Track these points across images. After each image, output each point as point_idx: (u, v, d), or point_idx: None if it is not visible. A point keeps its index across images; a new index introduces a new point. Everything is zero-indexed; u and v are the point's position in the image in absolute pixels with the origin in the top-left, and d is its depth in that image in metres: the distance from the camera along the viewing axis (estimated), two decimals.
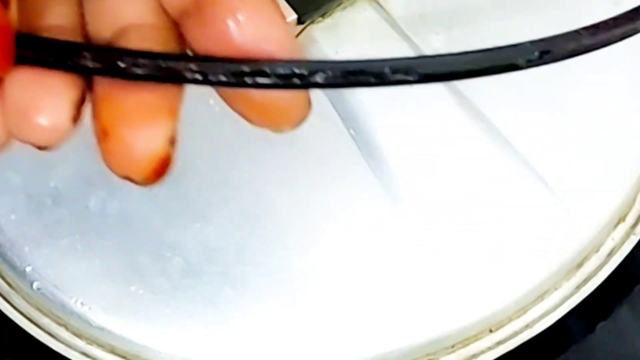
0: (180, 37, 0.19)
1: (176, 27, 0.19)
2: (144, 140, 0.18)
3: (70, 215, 0.33)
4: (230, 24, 0.18)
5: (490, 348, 0.33)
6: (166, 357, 0.32)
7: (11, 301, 0.33)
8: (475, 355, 0.33)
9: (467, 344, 0.33)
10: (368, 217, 0.33)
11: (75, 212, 0.33)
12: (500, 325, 0.33)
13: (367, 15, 0.36)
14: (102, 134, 0.18)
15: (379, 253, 0.33)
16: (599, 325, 0.35)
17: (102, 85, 0.18)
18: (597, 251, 0.34)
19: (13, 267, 0.33)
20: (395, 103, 0.34)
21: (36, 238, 0.33)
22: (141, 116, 0.18)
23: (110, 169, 0.18)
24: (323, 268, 0.33)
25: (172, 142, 0.18)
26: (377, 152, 0.34)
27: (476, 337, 0.33)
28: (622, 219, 0.34)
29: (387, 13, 0.36)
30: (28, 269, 0.33)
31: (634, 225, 0.35)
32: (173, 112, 0.18)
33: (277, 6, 0.18)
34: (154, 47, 0.18)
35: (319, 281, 0.33)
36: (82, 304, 0.32)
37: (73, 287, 0.33)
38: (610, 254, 0.34)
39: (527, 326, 0.33)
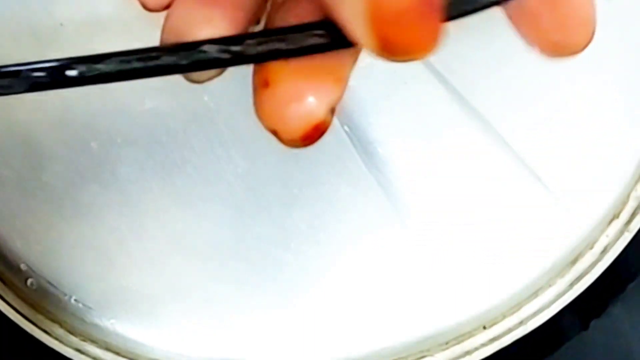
0: None
1: None
2: (304, 100, 0.17)
3: (64, 211, 0.33)
4: None
5: (484, 345, 0.33)
6: (160, 353, 0.32)
7: (5, 298, 0.33)
8: (469, 352, 0.33)
9: (461, 341, 0.33)
10: (362, 214, 0.33)
11: (69, 209, 0.33)
12: (494, 322, 0.33)
13: None
14: (262, 83, 0.18)
15: (373, 250, 0.33)
16: (592, 322, 0.35)
17: None
18: (591, 248, 0.34)
19: (7, 264, 0.33)
20: (390, 100, 0.34)
21: (30, 235, 0.33)
22: (308, 76, 0.18)
23: (260, 118, 0.18)
24: (317, 265, 0.33)
25: (332, 111, 0.18)
26: (372, 148, 0.34)
27: (470, 334, 0.33)
28: (615, 216, 0.35)
29: None
30: (22, 265, 0.33)
31: (627, 222, 0.35)
32: (340, 82, 0.18)
33: None
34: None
35: (312, 278, 0.33)
36: (76, 300, 0.32)
37: (67, 283, 0.33)
38: (604, 251, 0.34)
39: (521, 323, 0.33)
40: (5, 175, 0.33)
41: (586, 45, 0.19)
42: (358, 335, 0.32)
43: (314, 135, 0.18)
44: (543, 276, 0.33)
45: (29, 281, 0.33)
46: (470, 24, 0.35)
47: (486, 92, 0.34)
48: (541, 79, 0.34)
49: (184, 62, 0.18)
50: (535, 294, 0.34)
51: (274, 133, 0.18)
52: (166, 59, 0.18)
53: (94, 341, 0.33)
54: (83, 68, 0.18)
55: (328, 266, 0.33)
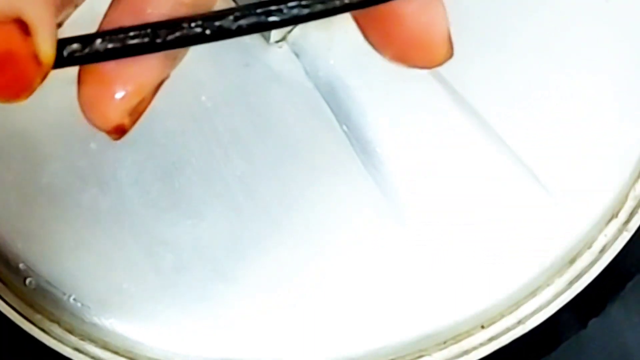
0: None
1: None
2: (98, 107, 0.19)
3: (63, 212, 0.33)
4: None
5: (482, 344, 0.33)
6: (159, 352, 0.32)
7: (4, 297, 0.33)
8: (467, 351, 0.33)
9: (459, 340, 0.33)
10: (360, 213, 0.33)
11: (67, 209, 0.33)
12: (492, 321, 0.33)
13: None
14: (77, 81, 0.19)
15: (371, 249, 0.33)
16: (591, 322, 0.35)
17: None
18: (589, 247, 0.34)
19: (6, 263, 0.33)
20: (388, 99, 0.34)
21: (29, 234, 0.33)
22: (104, 85, 0.19)
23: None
24: (315, 264, 0.33)
25: (134, 114, 0.19)
26: (370, 148, 0.34)
27: (468, 333, 0.33)
28: (614, 215, 0.35)
29: None
30: (21, 265, 0.33)
31: (626, 222, 0.35)
32: (140, 88, 0.19)
33: None
34: None
35: (310, 277, 0.33)
36: (75, 300, 0.32)
37: (66, 283, 0.33)
38: (602, 251, 0.34)
39: (519, 322, 0.33)
40: (5, 176, 0.33)
41: (439, 63, 0.20)
42: (356, 334, 0.32)
43: (117, 132, 0.19)
44: (541, 275, 0.33)
45: (28, 280, 0.33)
46: (471, 25, 0.35)
47: (484, 92, 0.34)
48: (539, 80, 0.34)
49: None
50: (533, 293, 0.34)
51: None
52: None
53: (92, 340, 0.33)
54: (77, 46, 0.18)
55: (326, 266, 0.33)
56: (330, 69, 0.35)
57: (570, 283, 0.34)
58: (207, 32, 0.18)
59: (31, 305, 0.33)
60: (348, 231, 0.33)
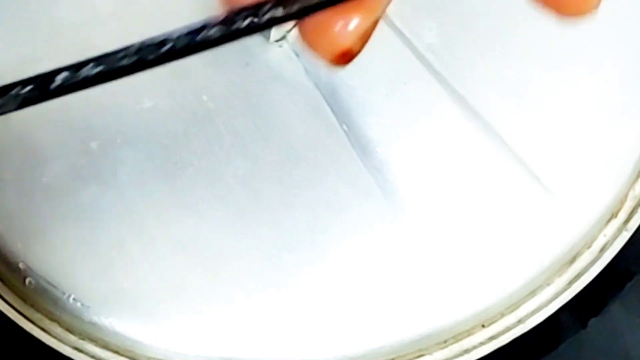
0: None
1: None
2: (331, 31, 0.20)
3: (64, 211, 0.33)
4: None
5: (482, 343, 0.33)
6: (158, 351, 0.32)
7: (4, 297, 0.33)
8: (467, 351, 0.33)
9: (460, 339, 0.33)
10: (360, 212, 0.33)
11: (67, 208, 0.33)
12: (492, 321, 0.33)
13: None
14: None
15: (371, 248, 0.33)
16: (590, 321, 0.35)
17: None
18: (589, 247, 0.34)
19: (5, 262, 0.33)
20: (389, 99, 0.34)
21: (29, 234, 0.33)
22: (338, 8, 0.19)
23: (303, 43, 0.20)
24: (315, 263, 0.33)
25: (363, 38, 0.20)
26: (370, 148, 0.34)
27: (468, 333, 0.33)
28: (614, 215, 0.35)
29: None
30: (21, 264, 0.33)
31: (625, 222, 0.35)
32: (370, 13, 0.20)
33: None
34: None
35: (310, 276, 0.33)
36: (74, 299, 0.32)
37: (66, 282, 0.33)
38: (602, 250, 0.34)
39: (519, 321, 0.33)
40: (5, 175, 0.33)
41: (591, 8, 0.20)
42: (356, 333, 0.32)
43: (343, 59, 0.20)
44: (541, 275, 0.33)
45: (28, 280, 0.33)
46: (465, 19, 0.35)
47: (485, 92, 0.34)
48: (539, 79, 0.34)
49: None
50: (533, 293, 0.34)
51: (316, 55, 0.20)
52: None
53: (92, 340, 0.33)
54: (67, 75, 0.18)
55: (326, 265, 0.33)
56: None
57: (570, 282, 0.34)
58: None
59: (31, 304, 0.33)
60: (348, 231, 0.33)
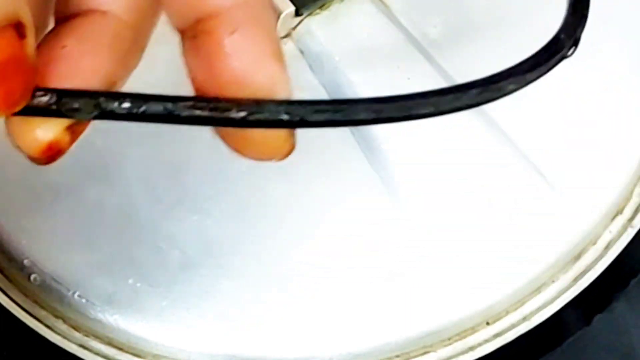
0: None
1: None
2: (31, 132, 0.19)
3: (69, 208, 0.33)
4: (227, 46, 0.18)
5: (487, 340, 0.33)
6: (163, 349, 0.32)
7: (9, 294, 0.33)
8: (472, 348, 0.33)
9: (464, 337, 0.33)
10: (365, 209, 0.33)
11: (73, 205, 0.33)
12: (497, 318, 0.33)
13: (364, 8, 0.36)
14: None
15: (375, 245, 0.33)
16: (595, 318, 0.35)
17: None
18: (594, 244, 0.34)
19: (11, 259, 0.33)
20: (392, 94, 0.34)
21: (34, 231, 0.33)
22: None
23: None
24: (320, 260, 0.33)
25: (72, 132, 0.20)
26: (375, 144, 0.34)
27: (473, 330, 0.33)
28: (619, 211, 0.35)
29: (385, 5, 0.36)
30: (26, 261, 0.33)
31: (631, 218, 0.35)
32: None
33: (273, 42, 0.19)
34: None
35: (315, 273, 0.33)
36: (79, 296, 0.32)
37: (71, 279, 0.33)
38: (607, 247, 0.34)
39: (524, 318, 0.33)
40: (10, 172, 0.33)
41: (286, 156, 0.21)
42: (361, 331, 0.32)
43: (49, 154, 0.20)
44: (546, 272, 0.33)
45: (33, 277, 0.33)
46: (468, 16, 0.35)
47: None
48: (544, 77, 0.34)
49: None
50: (538, 290, 0.34)
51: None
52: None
53: (97, 337, 0.33)
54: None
55: (331, 262, 0.33)
56: (335, 65, 0.35)
57: (575, 279, 0.34)
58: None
59: (36, 301, 0.33)
60: (352, 226, 0.33)
